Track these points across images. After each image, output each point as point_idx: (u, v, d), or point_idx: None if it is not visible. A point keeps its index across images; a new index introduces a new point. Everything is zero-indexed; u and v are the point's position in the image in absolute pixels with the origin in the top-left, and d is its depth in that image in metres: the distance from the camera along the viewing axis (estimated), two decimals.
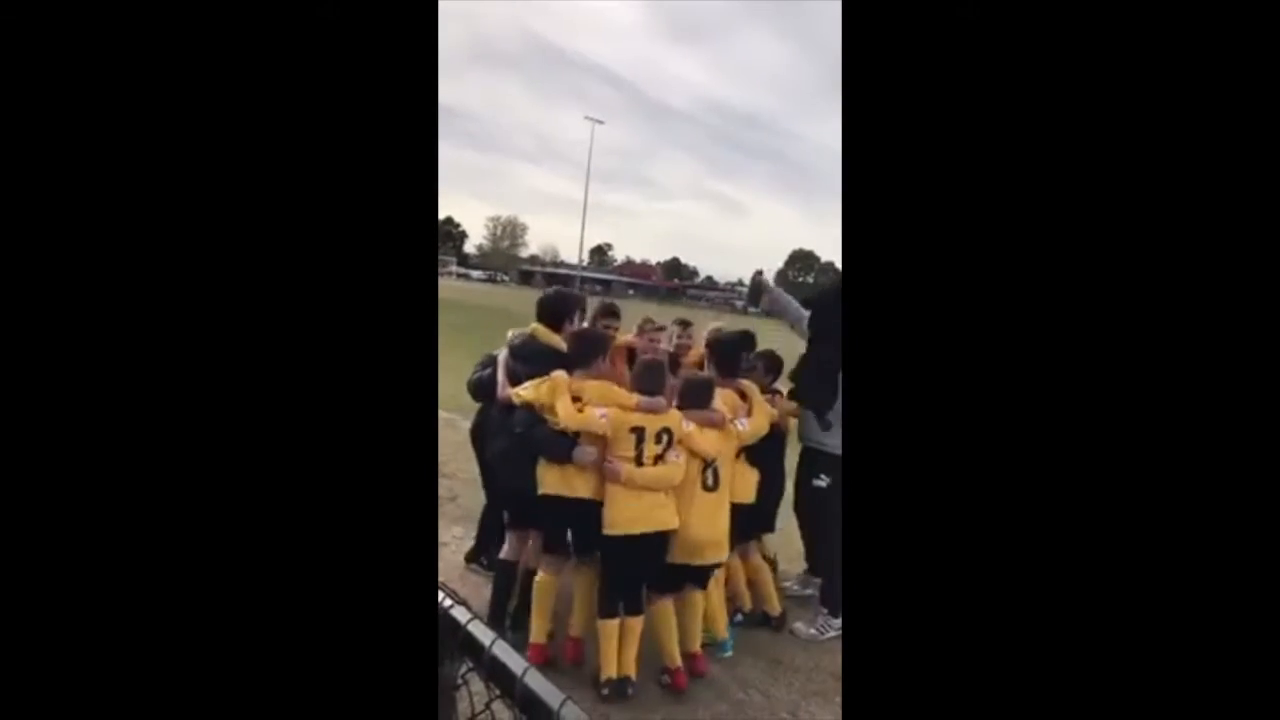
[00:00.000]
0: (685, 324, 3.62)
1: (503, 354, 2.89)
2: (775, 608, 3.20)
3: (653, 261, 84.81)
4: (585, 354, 2.69)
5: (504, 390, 2.74)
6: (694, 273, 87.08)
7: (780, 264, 78.23)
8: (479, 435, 3.27)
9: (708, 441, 2.65)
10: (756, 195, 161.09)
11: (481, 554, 3.41)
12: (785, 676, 2.79)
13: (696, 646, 2.72)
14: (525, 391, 2.61)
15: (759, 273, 3.71)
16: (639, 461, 2.54)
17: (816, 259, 75.56)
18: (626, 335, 3.33)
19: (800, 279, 74.39)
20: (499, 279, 60.75)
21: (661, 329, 3.42)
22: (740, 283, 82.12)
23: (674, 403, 2.70)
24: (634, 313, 3.74)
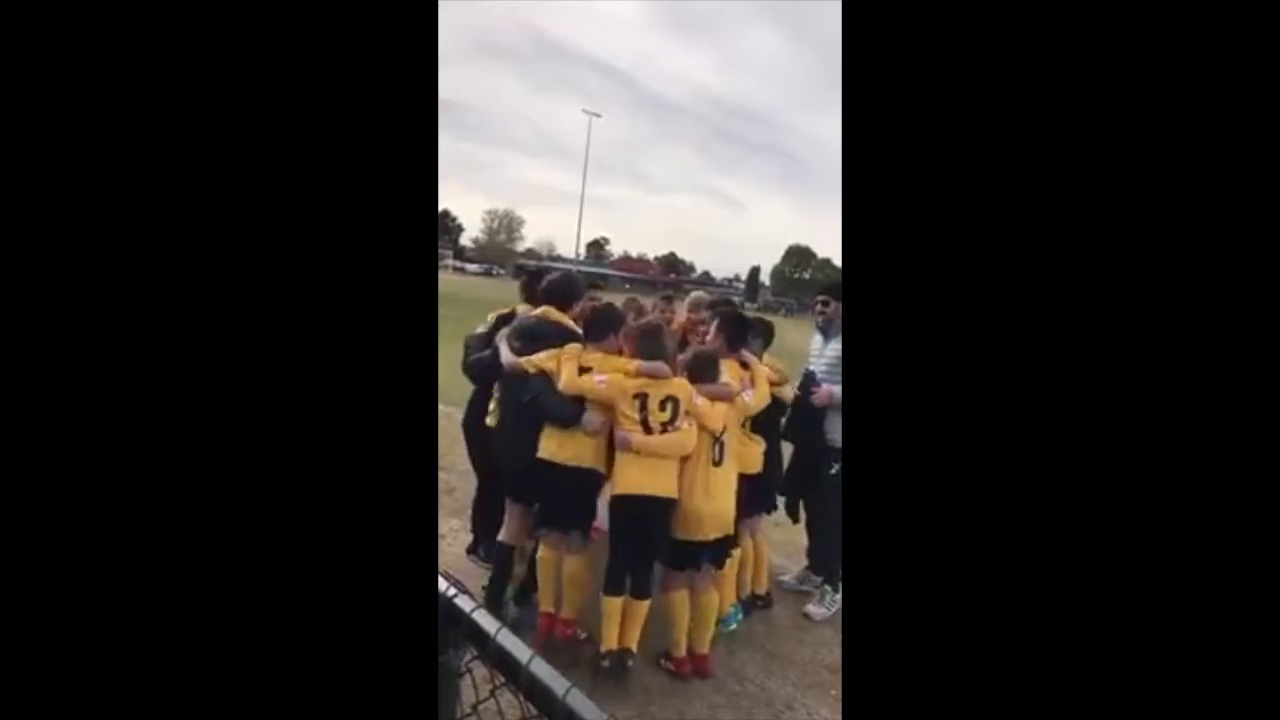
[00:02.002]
0: (668, 298, 3.79)
1: (502, 332, 2.91)
2: (763, 586, 3.26)
3: (650, 256, 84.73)
4: (599, 329, 2.74)
5: (512, 358, 2.75)
6: (691, 267, 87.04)
7: (777, 259, 78.16)
8: (470, 427, 3.28)
9: (717, 415, 2.66)
10: (754, 190, 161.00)
11: (479, 546, 3.42)
12: (781, 669, 2.80)
13: (705, 647, 2.72)
14: (540, 359, 2.66)
15: (755, 268, 3.84)
16: (646, 426, 2.56)
17: (813, 254, 75.44)
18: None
19: (797, 274, 74.34)
20: (495, 272, 60.60)
21: (642, 308, 3.51)
22: (737, 278, 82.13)
23: (679, 373, 2.72)
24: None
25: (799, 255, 76.31)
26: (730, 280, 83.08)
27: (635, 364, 2.63)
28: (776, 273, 76.72)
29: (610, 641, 2.54)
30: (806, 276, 72.71)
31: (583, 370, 2.63)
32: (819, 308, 3.52)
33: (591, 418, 2.60)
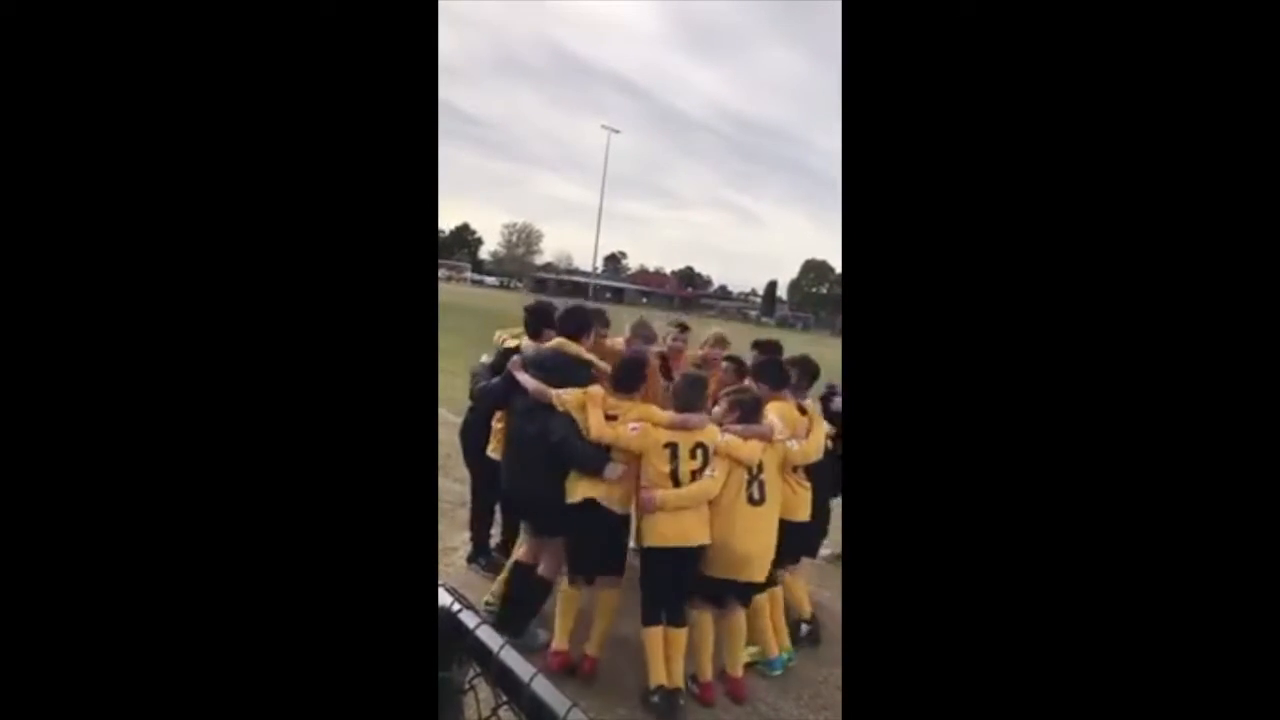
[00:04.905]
0: (683, 327, 3.65)
1: (514, 359, 2.90)
2: (807, 612, 3.17)
3: (667, 270, 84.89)
4: (628, 381, 2.71)
5: (539, 386, 2.72)
6: (708, 282, 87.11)
7: (795, 274, 78.01)
8: (469, 434, 3.30)
9: (748, 450, 2.61)
10: (772, 205, 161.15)
11: (479, 555, 3.44)
12: (794, 690, 2.76)
13: (739, 670, 2.67)
14: (568, 395, 2.64)
15: (772, 283, 3.83)
16: (675, 477, 2.53)
17: (831, 269, 75.16)
18: (617, 339, 3.40)
19: (814, 289, 74.14)
20: (511, 285, 61.10)
21: (653, 333, 3.46)
22: (754, 292, 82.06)
23: (724, 414, 2.71)
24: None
25: (816, 270, 76.11)
26: (747, 294, 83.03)
27: (665, 415, 2.62)
28: (793, 287, 76.57)
29: (659, 675, 2.49)
30: (824, 291, 72.51)
31: (608, 417, 2.61)
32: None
33: (614, 467, 2.58)
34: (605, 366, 2.85)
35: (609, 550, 2.68)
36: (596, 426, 2.57)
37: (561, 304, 3.24)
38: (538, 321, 3.12)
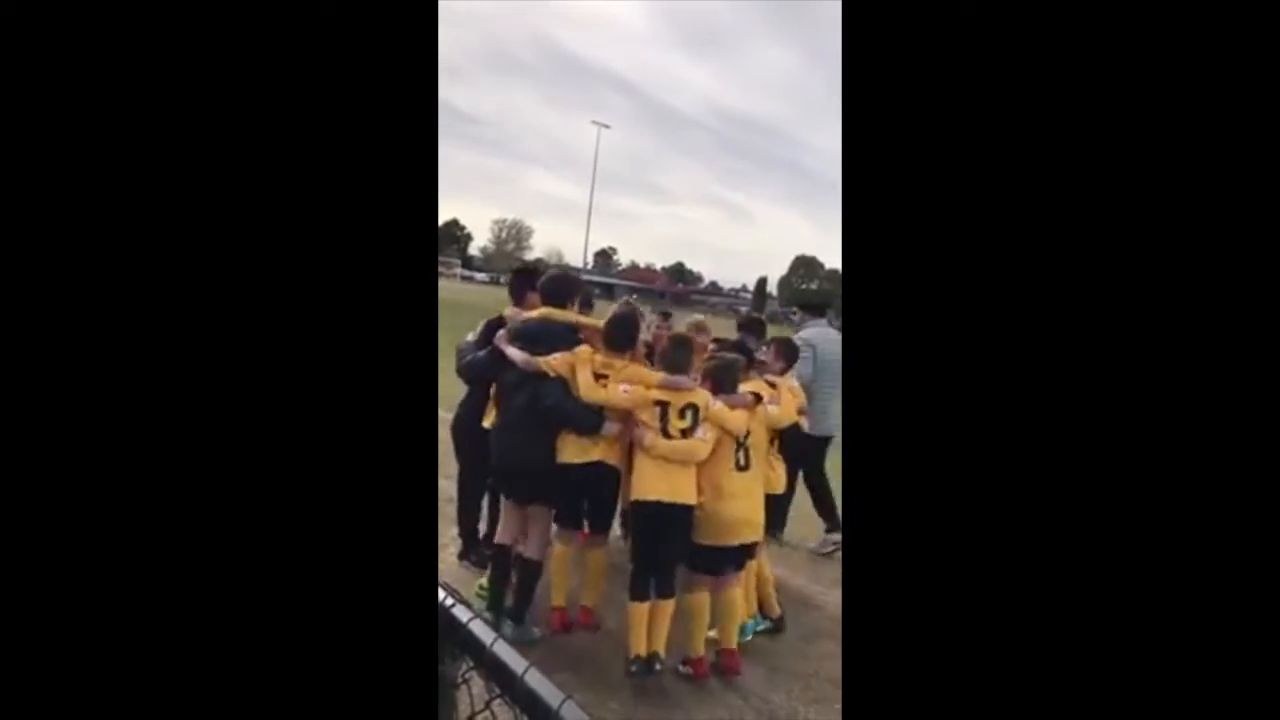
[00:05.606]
0: (666, 315, 3.85)
1: (500, 333, 2.89)
2: (774, 610, 3.21)
3: (657, 266, 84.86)
4: (620, 339, 2.76)
5: (528, 357, 2.72)
6: (698, 278, 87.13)
7: (784, 270, 78.17)
8: (461, 431, 3.28)
9: (737, 418, 2.67)
10: (764, 202, 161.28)
11: (470, 552, 3.44)
12: (784, 683, 2.77)
13: (733, 643, 2.72)
14: (557, 362, 2.66)
15: (762, 279, 4.01)
16: (666, 435, 2.59)
17: (820, 265, 75.39)
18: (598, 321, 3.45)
19: (803, 285, 74.34)
20: (502, 281, 60.87)
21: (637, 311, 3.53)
22: (744, 288, 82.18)
23: (699, 382, 2.76)
24: None
25: (806, 266, 76.22)
26: (737, 290, 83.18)
27: (656, 375, 2.66)
28: (783, 283, 76.70)
29: (639, 647, 2.54)
30: (814, 287, 72.70)
31: (598, 376, 2.65)
32: (794, 317, 3.74)
33: (611, 425, 2.64)
34: (595, 323, 2.88)
35: (599, 505, 2.76)
36: (586, 386, 2.61)
37: None
38: (522, 286, 3.13)
